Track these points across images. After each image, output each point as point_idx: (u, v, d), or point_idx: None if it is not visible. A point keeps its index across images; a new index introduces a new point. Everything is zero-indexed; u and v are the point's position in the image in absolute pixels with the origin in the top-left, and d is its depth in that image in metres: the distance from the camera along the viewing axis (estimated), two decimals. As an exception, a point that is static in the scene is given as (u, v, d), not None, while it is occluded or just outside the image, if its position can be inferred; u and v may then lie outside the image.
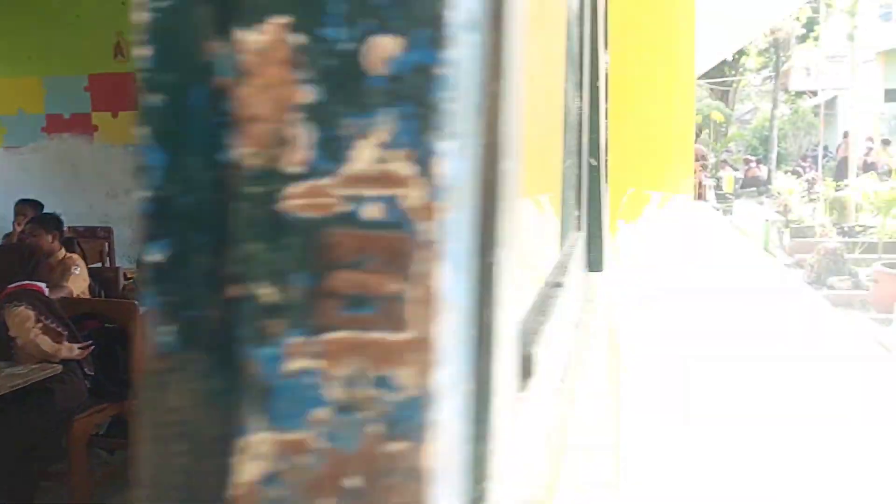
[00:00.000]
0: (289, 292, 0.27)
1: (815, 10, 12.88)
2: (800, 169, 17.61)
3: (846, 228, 11.12)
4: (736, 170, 19.80)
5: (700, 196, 19.30)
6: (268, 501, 0.27)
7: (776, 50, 20.35)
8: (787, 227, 11.03)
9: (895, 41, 26.00)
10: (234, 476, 0.27)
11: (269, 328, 0.27)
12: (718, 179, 19.41)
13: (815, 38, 17.17)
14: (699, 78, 38.47)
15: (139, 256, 0.29)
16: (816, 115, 21.47)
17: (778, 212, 12.40)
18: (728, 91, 40.33)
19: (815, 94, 24.54)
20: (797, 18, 12.76)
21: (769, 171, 18.69)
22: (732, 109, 39.70)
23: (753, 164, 18.42)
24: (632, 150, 2.80)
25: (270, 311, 0.27)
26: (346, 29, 0.27)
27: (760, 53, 37.40)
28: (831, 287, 8.37)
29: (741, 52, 38.83)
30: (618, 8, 2.44)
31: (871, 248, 9.94)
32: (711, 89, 42.66)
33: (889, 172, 14.08)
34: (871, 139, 18.32)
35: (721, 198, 18.47)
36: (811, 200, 13.00)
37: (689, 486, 3.25)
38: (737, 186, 18.14)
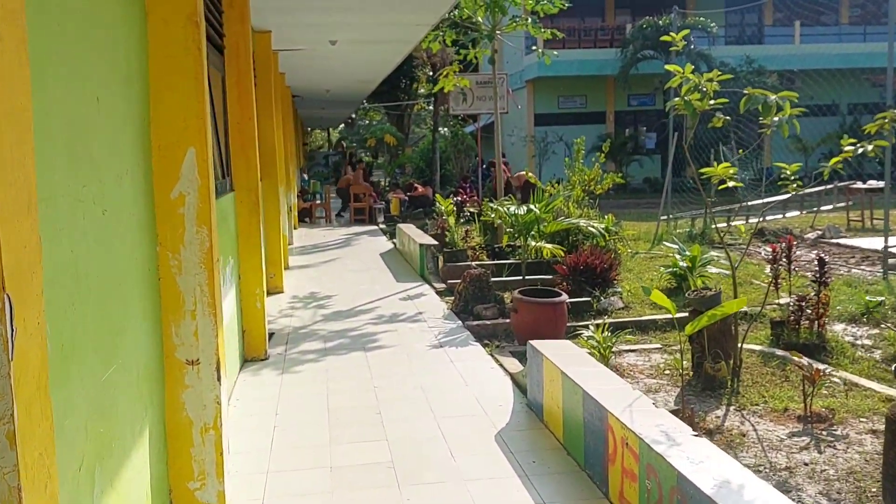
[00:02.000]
0: None
1: (463, 35, 12.82)
2: (461, 190, 17.91)
3: (497, 250, 11.06)
4: (406, 192, 19.71)
5: (371, 220, 18.91)
6: None
7: (434, 73, 20.72)
8: (440, 251, 10.63)
9: (540, 70, 28.39)
10: None
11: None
12: (387, 202, 19.14)
13: (468, 63, 17.63)
14: (375, 102, 38.80)
15: None
16: (475, 137, 22.38)
17: (434, 234, 12.08)
18: (403, 115, 41.69)
19: (474, 118, 25.75)
20: (448, 43, 12.53)
21: (434, 193, 18.83)
22: (408, 133, 41.04)
23: (419, 187, 18.38)
24: None
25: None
26: None
27: (430, 80, 39.06)
28: (478, 315, 7.90)
29: (412, 79, 40.33)
30: None
31: (517, 269, 9.85)
32: (387, 114, 43.86)
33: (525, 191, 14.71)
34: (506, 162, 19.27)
35: (389, 220, 18.17)
36: (466, 222, 12.92)
37: None
38: (403, 208, 17.95)
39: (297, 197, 19.22)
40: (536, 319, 6.78)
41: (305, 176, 24.75)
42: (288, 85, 16.80)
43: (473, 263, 10.14)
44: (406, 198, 18.27)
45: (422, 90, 43.72)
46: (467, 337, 7.14)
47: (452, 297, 8.79)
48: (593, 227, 8.75)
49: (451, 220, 12.23)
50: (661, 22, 26.55)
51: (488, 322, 7.52)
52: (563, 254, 8.74)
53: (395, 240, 14.41)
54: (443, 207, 12.46)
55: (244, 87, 6.25)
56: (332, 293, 9.53)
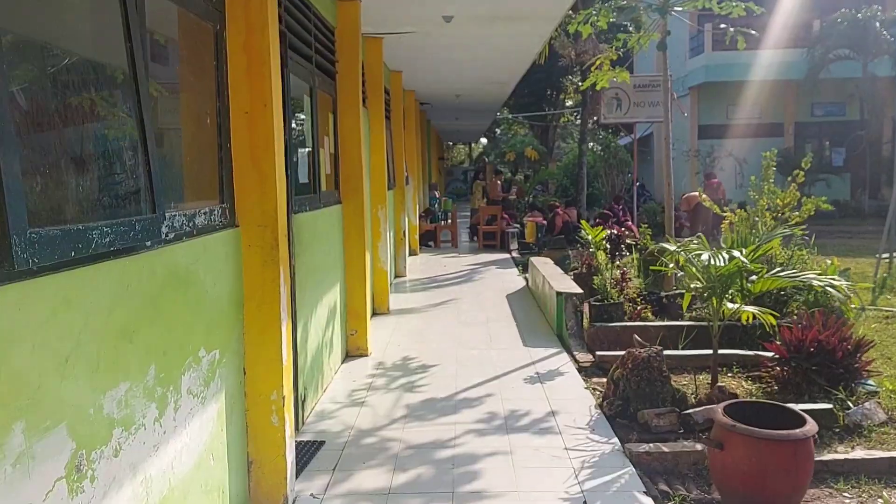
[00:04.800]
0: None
1: (621, 11, 9.86)
2: (609, 212, 14.80)
3: (665, 301, 7.97)
4: (546, 214, 16.74)
5: (503, 246, 16.13)
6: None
7: (583, 75, 17.74)
8: (584, 300, 7.69)
9: (707, 75, 24.63)
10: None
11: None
12: (522, 226, 16.32)
13: (625, 55, 14.67)
14: (516, 114, 36.31)
15: None
16: (630, 151, 19.14)
17: (577, 274, 9.13)
18: (548, 128, 38.81)
19: (629, 129, 22.45)
20: (602, 26, 9.55)
21: (579, 216, 15.82)
22: (552, 148, 38.10)
23: (560, 210, 15.41)
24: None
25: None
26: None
27: (577, 90, 36.03)
28: (645, 425, 4.94)
29: (559, 90, 37.35)
30: None
31: (703, 335, 6.78)
32: (531, 126, 41.11)
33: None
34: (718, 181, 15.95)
35: (524, 247, 15.34)
36: (621, 258, 9.86)
37: None
38: (540, 234, 15.05)
39: (420, 218, 16.83)
40: (761, 466, 3.75)
41: (436, 193, 22.35)
42: (411, 89, 14.45)
43: (633, 324, 7.15)
44: (544, 222, 15.35)
45: (569, 102, 40.61)
46: (630, 479, 4.19)
47: (603, 384, 5.87)
48: (833, 285, 5.52)
49: (601, 255, 9.26)
50: (859, 15, 22.20)
51: (665, 449, 4.51)
52: (774, 321, 5.57)
53: (527, 275, 11.60)
54: (590, 237, 9.50)
55: (256, 54, 3.68)
56: (431, 361, 6.84)
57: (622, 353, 6.30)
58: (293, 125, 5.39)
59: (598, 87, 9.99)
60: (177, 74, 3.45)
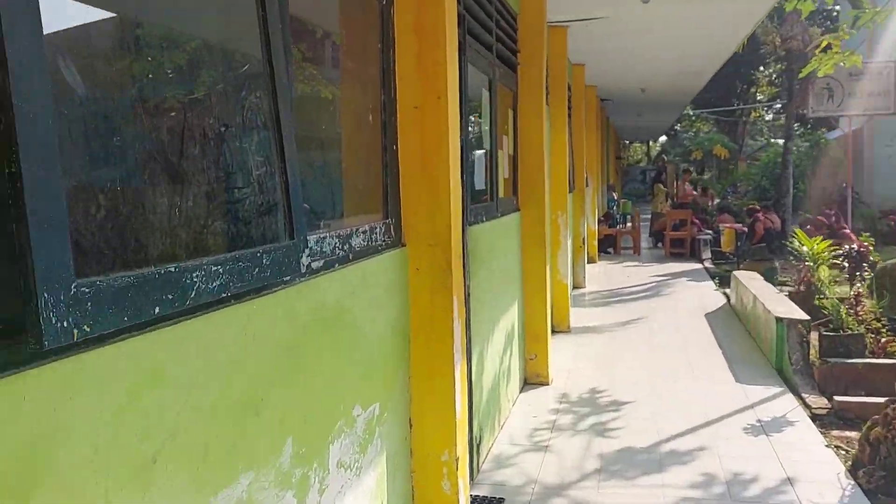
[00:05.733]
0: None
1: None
2: (823, 218, 12.98)
3: (912, 330, 6.48)
4: (740, 221, 15.01)
5: (693, 254, 14.68)
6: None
7: (789, 63, 15.85)
8: (811, 329, 6.39)
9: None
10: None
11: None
12: (717, 232, 14.75)
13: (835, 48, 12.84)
14: (701, 109, 33.96)
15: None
16: (843, 149, 16.90)
17: (792, 293, 7.77)
18: (737, 124, 35.93)
19: (836, 122, 19.98)
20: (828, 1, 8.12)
21: (784, 222, 14.06)
22: (742, 146, 35.20)
23: (760, 215, 13.72)
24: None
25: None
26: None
27: (771, 83, 33.02)
28: (922, 509, 3.74)
29: (751, 83, 34.47)
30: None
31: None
32: (717, 122, 38.34)
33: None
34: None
35: (718, 256, 13.84)
36: (862, 280, 8.25)
37: None
38: (739, 243, 13.47)
39: (598, 222, 15.75)
40: None
41: (614, 195, 21.07)
42: (592, 84, 13.44)
43: (879, 361, 5.81)
44: (744, 229, 13.70)
45: (760, 95, 37.38)
46: None
47: (847, 439, 4.68)
48: None
49: (823, 271, 7.81)
50: None
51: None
52: None
53: (727, 289, 10.26)
54: (806, 248, 8.07)
55: (429, 36, 2.97)
56: (623, 396, 5.88)
57: (871, 399, 5.09)
58: (469, 123, 4.67)
59: (820, 73, 8.52)
60: (331, 61, 2.81)
